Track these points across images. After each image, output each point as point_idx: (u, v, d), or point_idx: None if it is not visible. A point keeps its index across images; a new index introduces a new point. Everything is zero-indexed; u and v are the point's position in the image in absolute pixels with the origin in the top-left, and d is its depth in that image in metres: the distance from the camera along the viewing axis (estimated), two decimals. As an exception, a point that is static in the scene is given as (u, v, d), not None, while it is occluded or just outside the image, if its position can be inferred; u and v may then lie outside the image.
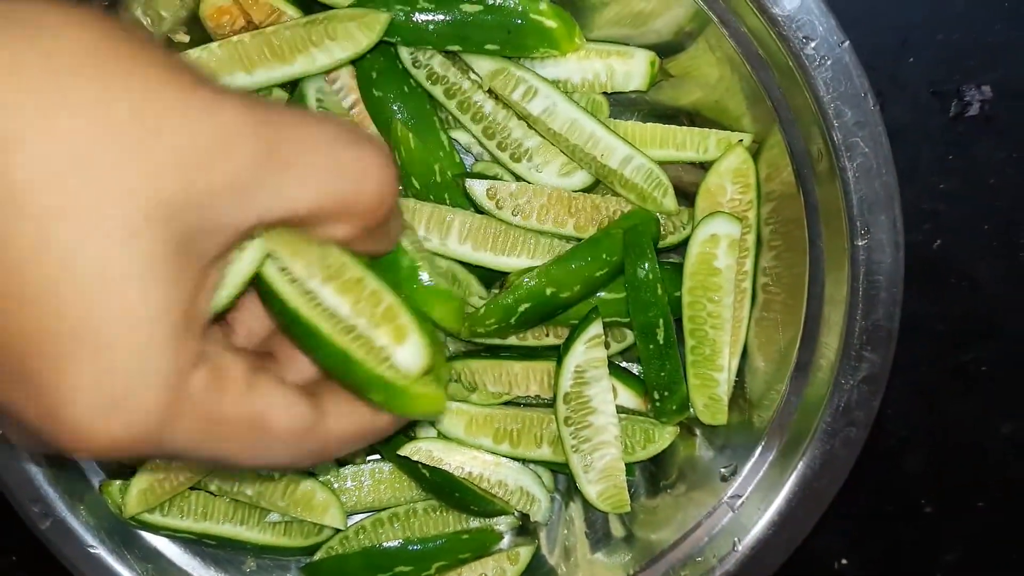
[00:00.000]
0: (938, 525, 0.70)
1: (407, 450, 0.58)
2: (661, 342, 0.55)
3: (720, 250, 0.54)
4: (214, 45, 0.54)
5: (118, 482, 0.57)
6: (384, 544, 0.61)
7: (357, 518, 0.62)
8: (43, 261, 0.26)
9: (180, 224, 0.28)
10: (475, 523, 0.62)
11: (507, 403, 0.61)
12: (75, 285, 0.27)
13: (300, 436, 0.34)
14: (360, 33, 0.53)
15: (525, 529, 0.64)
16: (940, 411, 0.69)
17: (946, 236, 0.65)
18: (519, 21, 0.54)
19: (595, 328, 0.55)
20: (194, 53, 0.54)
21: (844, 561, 0.71)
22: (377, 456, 0.63)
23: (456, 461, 0.59)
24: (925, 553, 0.71)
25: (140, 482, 0.56)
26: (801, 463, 0.54)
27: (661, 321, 0.55)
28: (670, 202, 0.56)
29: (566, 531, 0.65)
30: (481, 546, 0.62)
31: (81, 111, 0.27)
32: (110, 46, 0.28)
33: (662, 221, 0.58)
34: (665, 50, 0.57)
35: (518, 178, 0.59)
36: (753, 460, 0.56)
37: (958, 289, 0.66)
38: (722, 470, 0.57)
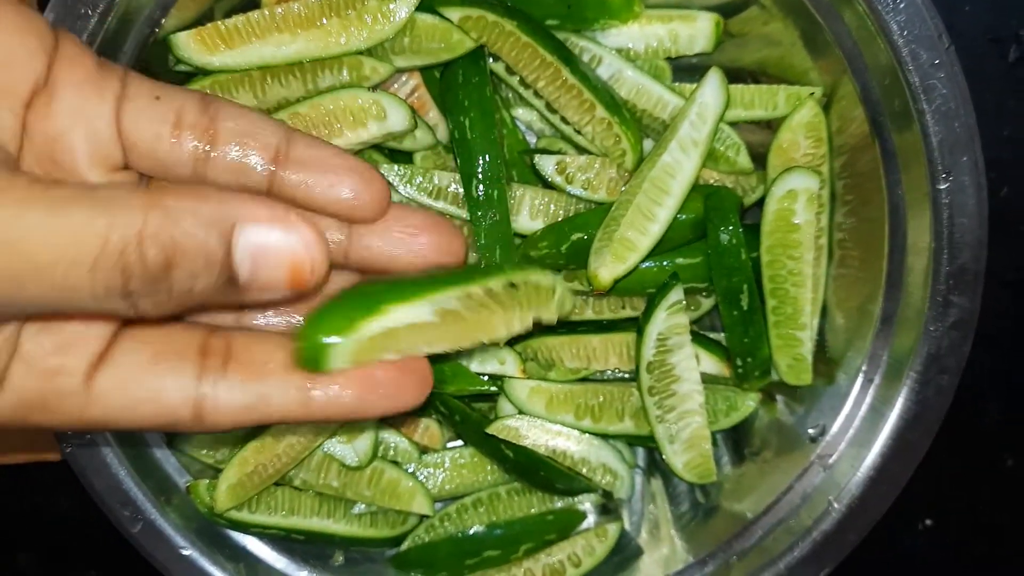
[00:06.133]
0: (1022, 478, 0.69)
1: (494, 428, 0.57)
2: (745, 308, 0.54)
3: (798, 205, 0.54)
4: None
5: (205, 481, 0.57)
6: (471, 529, 0.60)
7: (440, 506, 0.62)
8: None
9: None
10: (559, 503, 0.62)
11: (584, 379, 0.60)
12: None
13: None
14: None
15: (607, 508, 0.64)
16: (1014, 360, 0.68)
17: (1012, 184, 0.64)
18: (578, -8, 0.54)
19: (676, 294, 0.55)
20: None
21: (928, 522, 0.70)
22: (459, 442, 0.62)
23: (540, 439, 0.58)
24: (1010, 508, 0.70)
25: (229, 477, 0.56)
26: (893, 415, 0.53)
27: (745, 287, 0.54)
28: (744, 160, 0.56)
29: (651, 506, 0.64)
30: (566, 526, 0.61)
31: None
32: None
33: (731, 185, 0.58)
34: (726, 10, 0.57)
35: (582, 151, 0.59)
36: (842, 417, 0.56)
37: (1026, 237, 0.66)
38: (810, 431, 0.57)
